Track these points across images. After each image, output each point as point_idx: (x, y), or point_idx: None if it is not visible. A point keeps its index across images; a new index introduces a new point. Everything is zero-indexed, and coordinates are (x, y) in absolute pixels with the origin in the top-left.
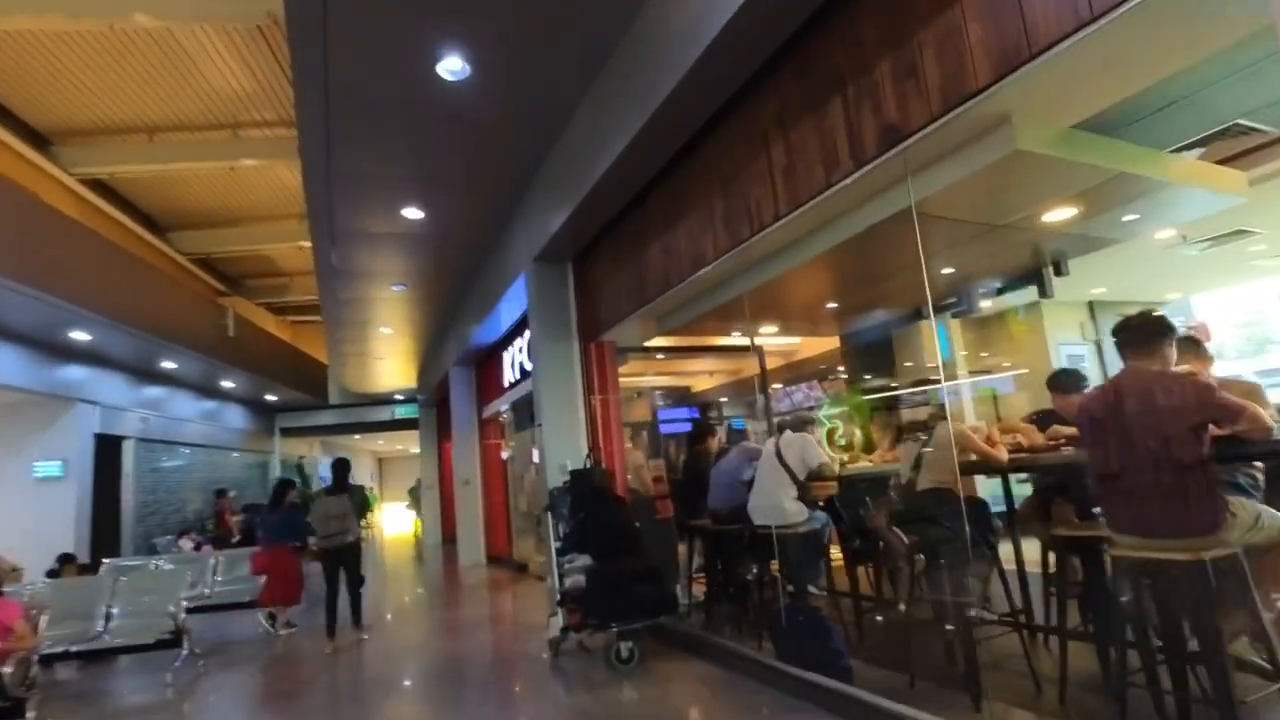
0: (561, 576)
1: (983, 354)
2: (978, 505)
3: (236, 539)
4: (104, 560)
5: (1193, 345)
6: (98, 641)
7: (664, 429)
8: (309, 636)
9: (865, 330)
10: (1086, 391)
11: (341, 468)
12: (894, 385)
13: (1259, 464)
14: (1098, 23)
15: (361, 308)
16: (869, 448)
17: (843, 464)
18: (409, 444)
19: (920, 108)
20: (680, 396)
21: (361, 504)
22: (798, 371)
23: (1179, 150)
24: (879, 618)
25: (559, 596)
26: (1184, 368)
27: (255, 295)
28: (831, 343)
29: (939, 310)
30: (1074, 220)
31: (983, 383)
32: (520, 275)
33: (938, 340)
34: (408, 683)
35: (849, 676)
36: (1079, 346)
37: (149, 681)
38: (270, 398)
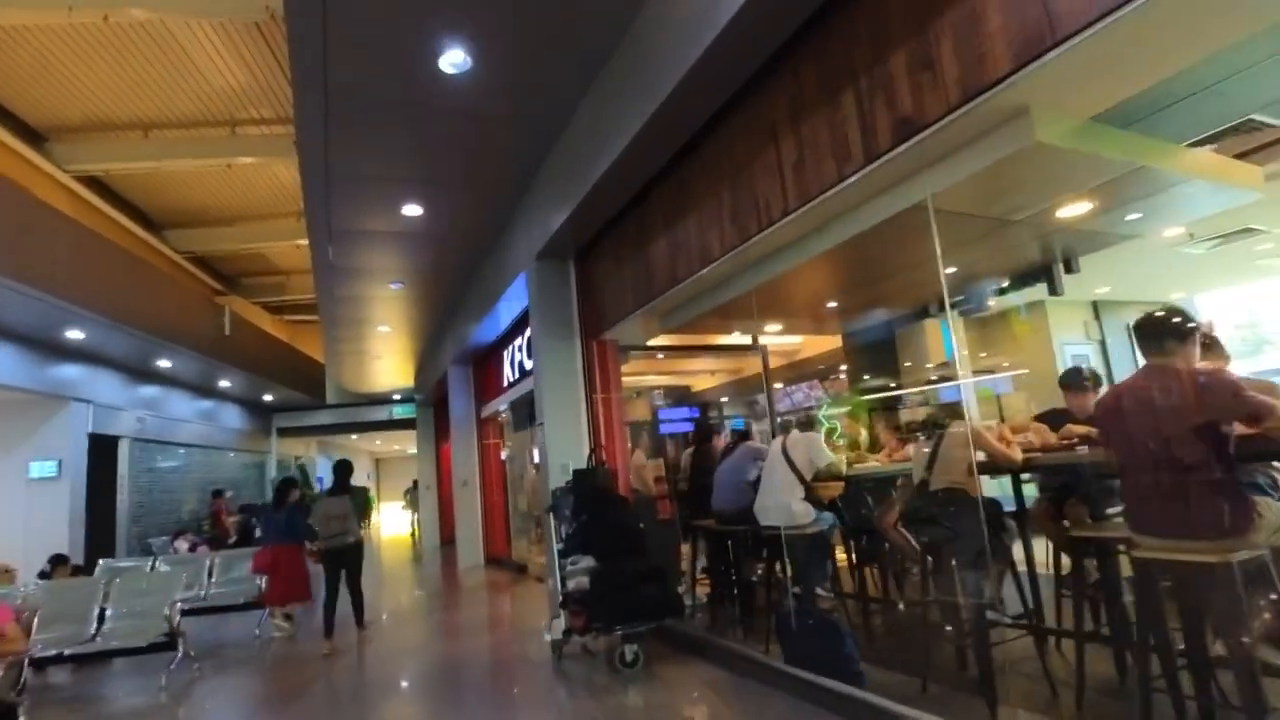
0: (564, 578)
1: (981, 354)
2: (992, 506)
3: (233, 540)
4: (99, 561)
5: (1210, 342)
6: (91, 644)
7: (664, 429)
8: (307, 638)
9: (868, 329)
10: (1107, 390)
11: (343, 469)
12: (899, 384)
13: (1278, 463)
14: (1123, 9)
15: (359, 306)
16: (874, 447)
17: (849, 464)
18: (406, 444)
19: (937, 99)
20: (680, 396)
21: (363, 505)
22: (799, 371)
23: (1191, 146)
24: (880, 619)
25: (561, 599)
26: (1204, 365)
27: (252, 294)
28: (833, 342)
29: (943, 309)
30: (1089, 216)
31: (984, 382)
32: (521, 273)
33: (948, 338)
34: (408, 687)
35: (860, 681)
36: (1083, 346)
37: (143, 685)
38: (267, 397)
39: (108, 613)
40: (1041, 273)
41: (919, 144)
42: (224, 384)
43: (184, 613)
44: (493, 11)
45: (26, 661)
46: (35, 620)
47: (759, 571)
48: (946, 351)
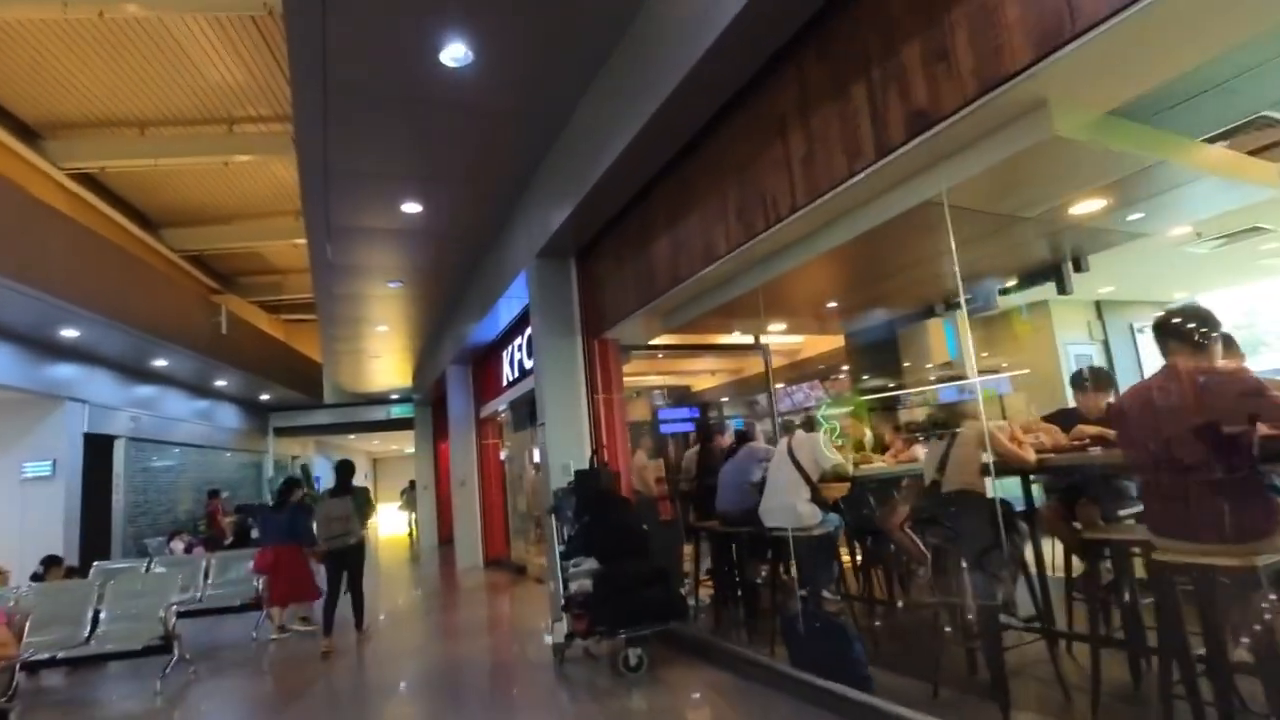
0: (566, 580)
1: (984, 354)
2: (1005, 508)
3: (229, 540)
4: (94, 563)
5: (1227, 341)
6: (85, 648)
7: (664, 429)
8: (304, 641)
9: (870, 329)
10: (1126, 390)
11: (345, 469)
12: (902, 385)
13: None
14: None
15: (357, 305)
16: (880, 448)
17: (855, 464)
18: (404, 444)
19: (952, 91)
20: (680, 396)
21: (365, 505)
22: (801, 371)
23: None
24: (887, 622)
25: (563, 601)
26: (1224, 364)
27: (249, 293)
28: (835, 341)
29: (950, 308)
30: (1103, 212)
31: (988, 382)
32: (521, 272)
33: (957, 338)
34: (408, 690)
35: (868, 685)
36: (1086, 346)
37: (138, 689)
38: (264, 397)
39: (102, 615)
40: (1050, 271)
41: (933, 138)
42: (220, 383)
43: (180, 615)
44: (495, 4)
45: (18, 666)
46: (27, 624)
47: (763, 573)
48: (950, 351)
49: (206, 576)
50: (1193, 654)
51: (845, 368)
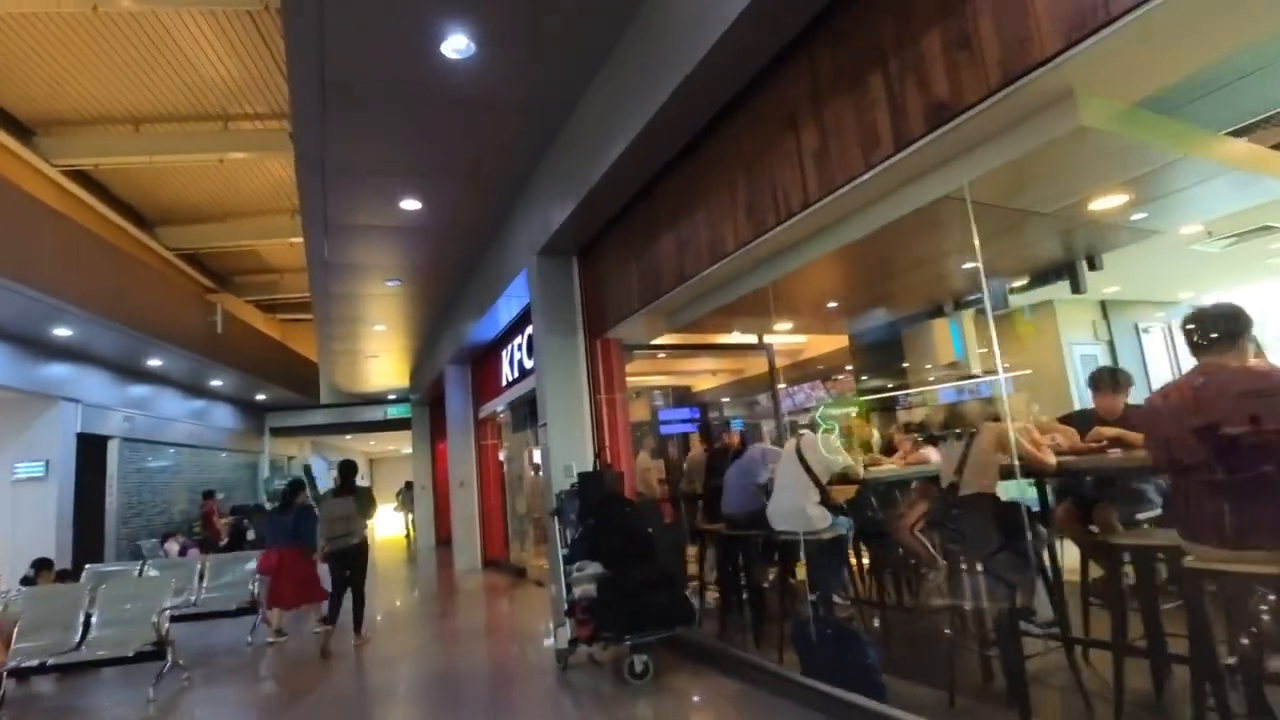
0: (569, 585)
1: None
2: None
3: (225, 542)
4: (86, 565)
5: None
6: (76, 654)
7: (665, 429)
8: (301, 643)
9: (875, 328)
10: (1157, 390)
11: (348, 469)
12: (907, 384)
13: None
14: None
15: (354, 304)
16: (887, 449)
17: (865, 466)
18: (401, 444)
19: (975, 81)
20: (681, 396)
21: (368, 505)
22: (804, 371)
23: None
24: (897, 627)
25: (567, 606)
26: (1257, 362)
27: (244, 292)
28: (838, 341)
29: (959, 307)
30: (1123, 208)
31: (991, 383)
32: (522, 270)
33: (963, 337)
34: (407, 696)
35: (882, 693)
36: (1091, 347)
37: (130, 696)
38: (260, 397)
39: (93, 620)
40: (1064, 269)
41: (954, 129)
42: (215, 383)
43: (174, 619)
44: None
45: (4, 673)
46: (15, 631)
47: (770, 577)
48: (956, 351)
49: (201, 579)
50: (1221, 664)
51: (849, 367)
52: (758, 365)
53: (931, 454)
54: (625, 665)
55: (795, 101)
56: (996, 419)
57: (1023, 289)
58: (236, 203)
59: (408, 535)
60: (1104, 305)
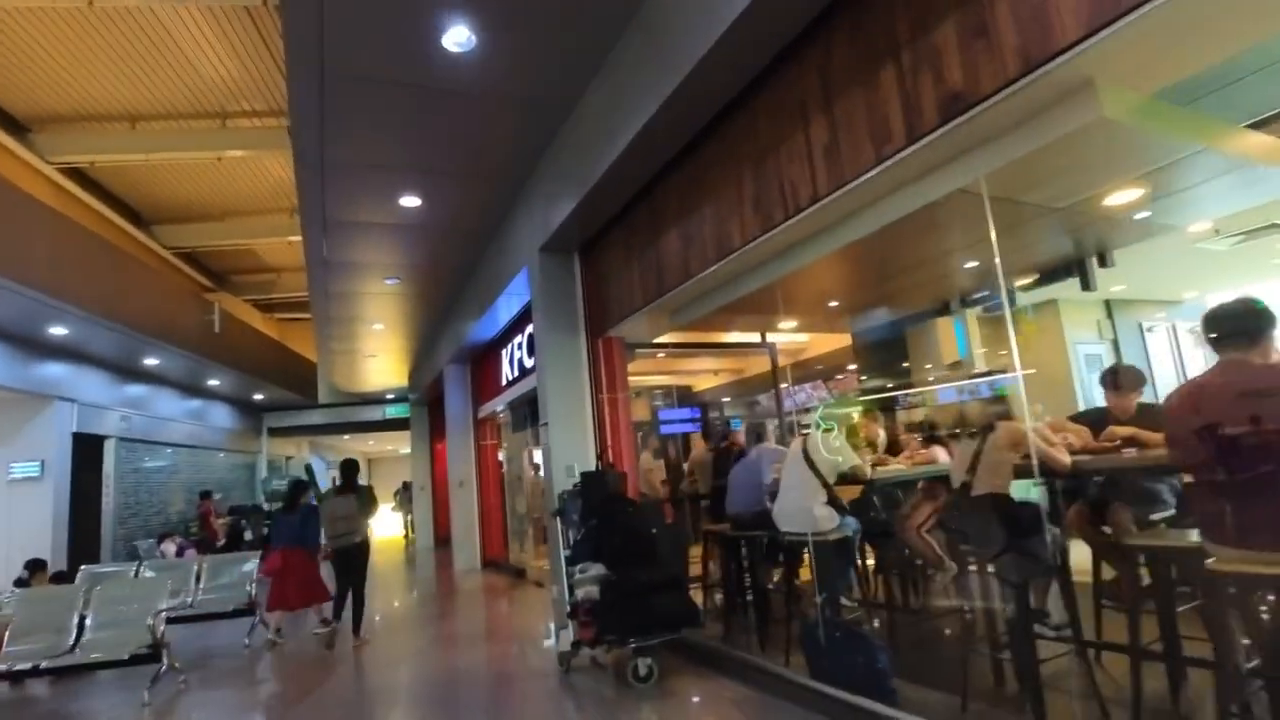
0: (571, 586)
1: (1001, 352)
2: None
3: (222, 543)
4: (82, 566)
5: None
6: (69, 656)
7: (665, 429)
8: (300, 645)
9: (878, 326)
10: (1178, 387)
11: (350, 468)
12: (911, 383)
13: None
14: None
15: (353, 303)
16: (893, 449)
17: (872, 466)
18: (399, 444)
19: (992, 70)
20: (682, 396)
21: (369, 504)
22: (806, 370)
23: None
24: (904, 629)
25: (569, 608)
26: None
27: (242, 291)
28: (841, 340)
29: (966, 304)
30: (1139, 202)
31: (995, 382)
32: (523, 268)
33: (967, 336)
34: (407, 699)
35: (893, 698)
36: (1096, 346)
37: (125, 699)
38: (257, 397)
39: (88, 622)
40: (1074, 266)
41: (969, 121)
42: (213, 383)
43: (170, 620)
44: None
45: None
46: (7, 633)
47: (775, 579)
48: (960, 350)
49: (198, 580)
50: (1244, 669)
51: (851, 366)
52: (759, 364)
53: (939, 453)
54: (629, 668)
55: (805, 94)
56: (1009, 417)
57: (1029, 287)
58: (234, 201)
59: (406, 535)
60: (1108, 304)
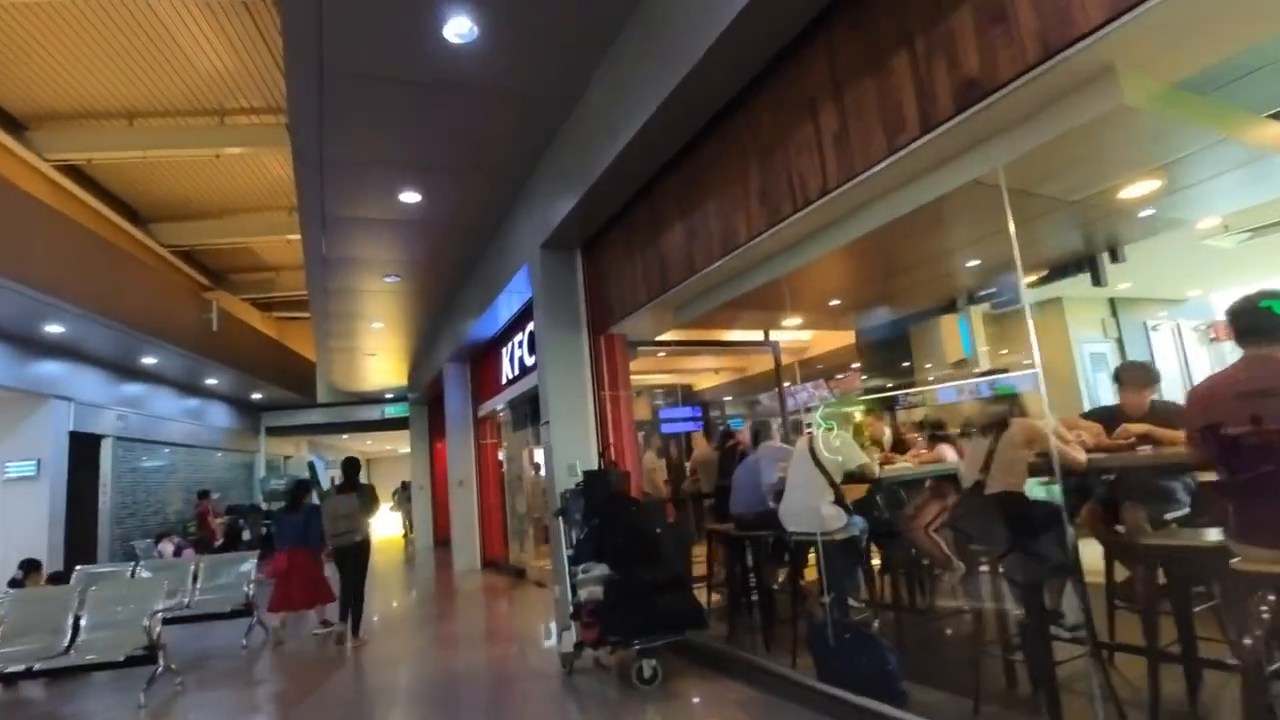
0: (574, 587)
1: (1003, 351)
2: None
3: (220, 542)
4: (77, 566)
5: None
6: (64, 658)
7: (666, 429)
8: (299, 645)
9: (882, 324)
10: (1201, 383)
11: (352, 466)
12: (916, 382)
13: None
14: None
15: (352, 301)
16: (899, 447)
17: (879, 465)
18: (398, 444)
19: (1011, 57)
20: (684, 395)
21: (370, 502)
22: (809, 368)
23: None
24: (911, 630)
25: (572, 609)
26: None
27: (240, 290)
28: (844, 338)
29: (973, 301)
30: (1156, 194)
31: (999, 381)
32: (524, 264)
33: (971, 333)
34: (407, 701)
35: (903, 700)
36: (1101, 344)
37: (121, 701)
38: (256, 396)
39: (83, 623)
40: (1084, 262)
41: (985, 109)
42: (211, 382)
43: (167, 621)
44: None
45: None
46: (1, 634)
47: (780, 579)
48: (965, 348)
49: (195, 580)
50: (1267, 672)
51: (854, 365)
52: (761, 363)
53: (948, 452)
54: (633, 670)
55: (813, 83)
56: (1022, 414)
57: (1036, 283)
58: (233, 199)
59: (405, 535)
60: (1113, 303)
